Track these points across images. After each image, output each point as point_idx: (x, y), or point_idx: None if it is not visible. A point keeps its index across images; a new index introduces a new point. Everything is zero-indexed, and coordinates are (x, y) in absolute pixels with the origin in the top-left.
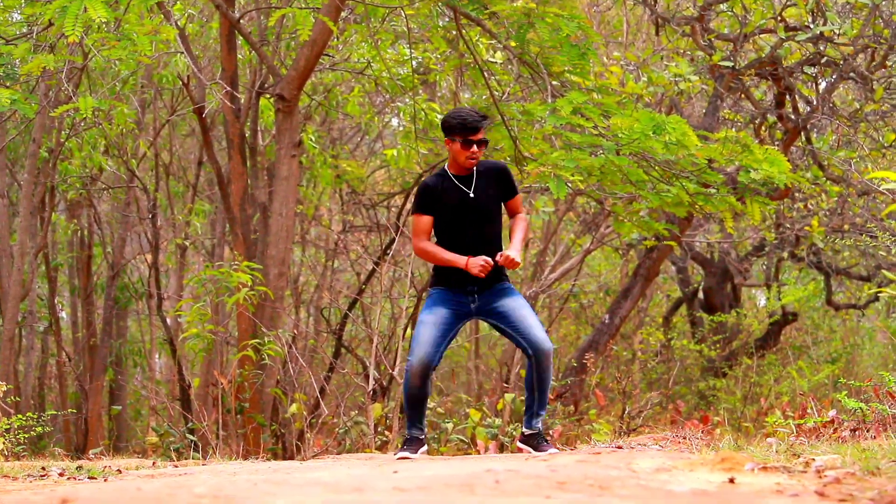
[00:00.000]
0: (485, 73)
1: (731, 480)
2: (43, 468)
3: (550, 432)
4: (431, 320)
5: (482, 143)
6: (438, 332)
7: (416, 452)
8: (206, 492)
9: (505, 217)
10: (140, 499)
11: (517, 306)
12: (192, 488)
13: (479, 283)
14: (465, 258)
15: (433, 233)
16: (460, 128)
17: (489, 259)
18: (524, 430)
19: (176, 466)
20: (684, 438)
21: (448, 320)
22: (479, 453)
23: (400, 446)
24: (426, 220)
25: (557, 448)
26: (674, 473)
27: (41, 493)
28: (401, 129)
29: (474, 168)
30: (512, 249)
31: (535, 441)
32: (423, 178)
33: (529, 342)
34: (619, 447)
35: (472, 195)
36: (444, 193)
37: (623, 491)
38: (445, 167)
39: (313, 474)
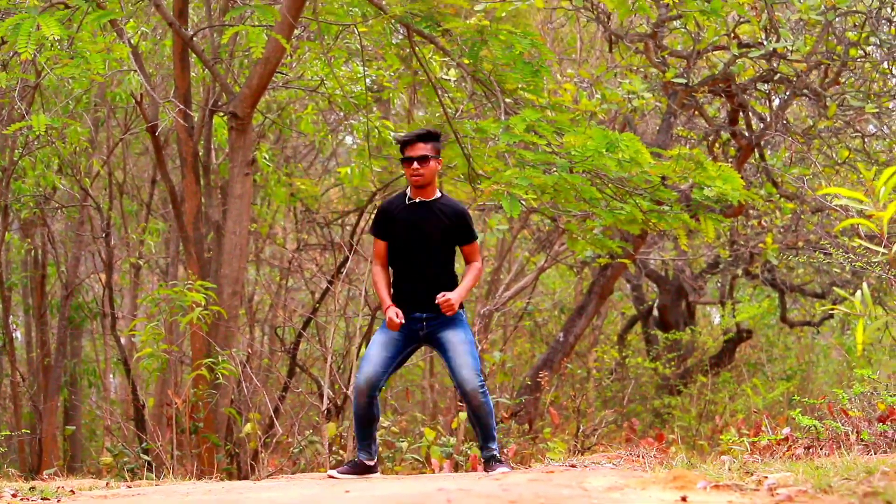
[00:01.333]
0: (438, 91)
1: (684, 499)
2: None
3: (505, 451)
4: (381, 340)
5: (423, 160)
6: (387, 353)
7: (346, 474)
8: None
9: None
10: None
11: (457, 341)
12: None
13: (431, 310)
14: (389, 304)
15: (392, 250)
16: (400, 146)
17: (401, 317)
18: (480, 456)
19: (130, 487)
20: (638, 457)
21: (398, 343)
22: (433, 472)
23: (342, 465)
24: (380, 245)
25: (511, 467)
26: (626, 492)
27: None
28: (354, 147)
29: (436, 199)
30: (454, 293)
31: (488, 463)
32: (376, 196)
33: (457, 380)
34: (573, 466)
35: (419, 222)
36: (398, 217)
37: None
38: (407, 190)
39: (267, 494)
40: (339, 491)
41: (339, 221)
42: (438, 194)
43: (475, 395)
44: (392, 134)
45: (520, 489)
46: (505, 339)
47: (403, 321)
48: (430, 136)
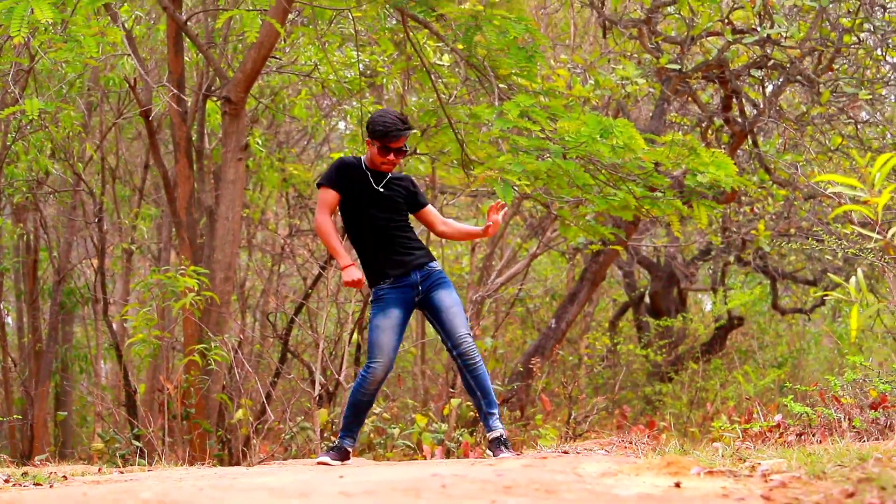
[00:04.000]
0: (432, 76)
1: (677, 485)
2: None
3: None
4: (388, 325)
5: (400, 153)
6: (396, 337)
7: (336, 460)
8: (152, 497)
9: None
10: None
11: (451, 302)
12: (137, 493)
13: (419, 267)
14: (348, 262)
15: (345, 219)
16: (381, 134)
17: (363, 280)
18: (488, 434)
19: (122, 472)
20: (630, 443)
21: (401, 320)
22: (425, 458)
23: (325, 451)
24: (332, 194)
25: (515, 453)
26: (619, 478)
27: None
28: (347, 132)
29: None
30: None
31: (494, 445)
32: None
33: (455, 340)
34: (566, 452)
35: (380, 188)
36: (356, 178)
37: (569, 495)
38: (363, 157)
39: (259, 479)
40: (332, 476)
41: None
42: None
43: (472, 352)
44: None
45: (514, 475)
46: (496, 325)
47: (363, 280)
48: (409, 128)
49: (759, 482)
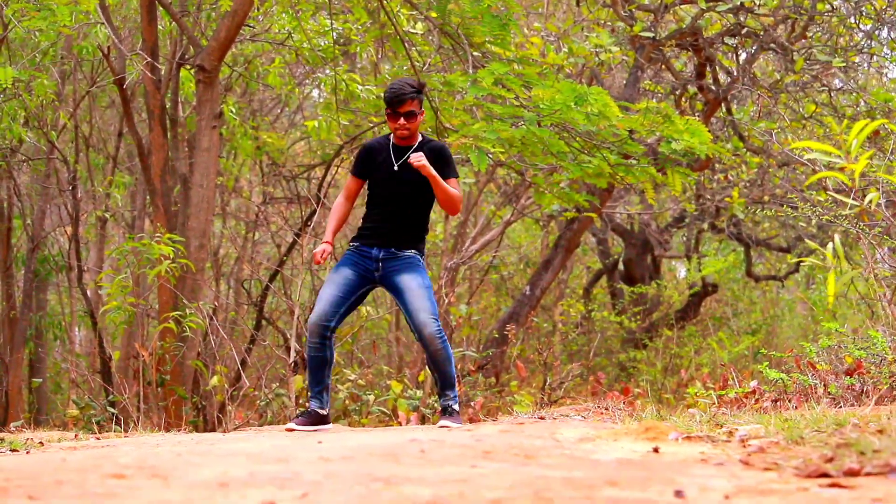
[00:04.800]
0: (406, 44)
1: (656, 450)
2: None
3: (472, 403)
4: (336, 279)
5: (409, 116)
6: (340, 293)
7: (306, 426)
8: (131, 462)
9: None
10: (65, 469)
11: (414, 286)
12: (116, 459)
13: (386, 245)
14: (326, 240)
15: (370, 187)
16: (388, 100)
17: (325, 256)
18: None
19: (98, 439)
20: (606, 409)
21: (352, 282)
22: (400, 425)
23: (295, 416)
24: (353, 183)
25: (461, 423)
26: (598, 443)
27: None
28: (321, 100)
29: (417, 143)
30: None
31: (442, 414)
32: (343, 149)
33: (415, 324)
34: (542, 418)
35: (395, 167)
36: (379, 159)
37: (548, 460)
38: (391, 134)
39: (237, 445)
40: (311, 442)
41: (305, 175)
42: (420, 138)
43: (433, 339)
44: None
45: (492, 440)
46: (471, 292)
47: (325, 259)
48: (417, 91)
49: (738, 447)
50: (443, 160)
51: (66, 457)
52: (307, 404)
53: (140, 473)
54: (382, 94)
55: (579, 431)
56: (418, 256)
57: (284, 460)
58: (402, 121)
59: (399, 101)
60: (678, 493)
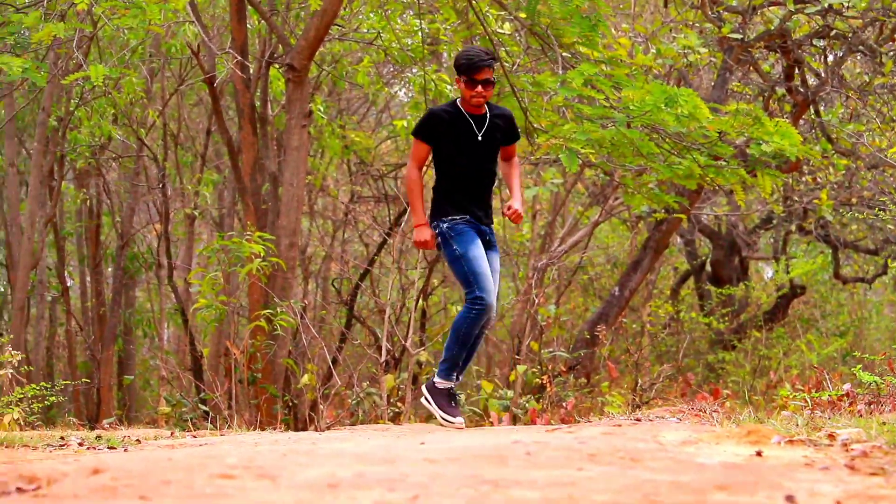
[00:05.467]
0: (494, 44)
1: (759, 454)
2: (62, 438)
3: (563, 405)
4: (480, 254)
5: (487, 84)
6: (488, 268)
7: (457, 416)
8: (238, 462)
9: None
10: (172, 469)
11: (496, 269)
12: (222, 459)
13: (486, 224)
14: (423, 221)
15: (437, 161)
16: (466, 67)
17: (432, 243)
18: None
19: (195, 437)
20: (701, 411)
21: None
22: (492, 425)
23: (444, 404)
24: (424, 148)
25: (429, 400)
26: (700, 446)
27: (71, 463)
28: (407, 100)
29: (487, 111)
30: (516, 201)
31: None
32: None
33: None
34: (638, 420)
35: (480, 137)
36: (452, 126)
37: (653, 464)
38: (458, 101)
39: (340, 445)
40: (413, 442)
41: (393, 174)
42: (485, 105)
43: (491, 323)
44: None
45: (596, 443)
46: (559, 293)
47: (432, 245)
48: (493, 59)
49: (840, 451)
50: (514, 125)
51: (171, 456)
52: (448, 379)
53: (247, 473)
54: (456, 62)
55: (681, 434)
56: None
57: (391, 461)
58: (479, 88)
59: (477, 69)
60: (789, 499)
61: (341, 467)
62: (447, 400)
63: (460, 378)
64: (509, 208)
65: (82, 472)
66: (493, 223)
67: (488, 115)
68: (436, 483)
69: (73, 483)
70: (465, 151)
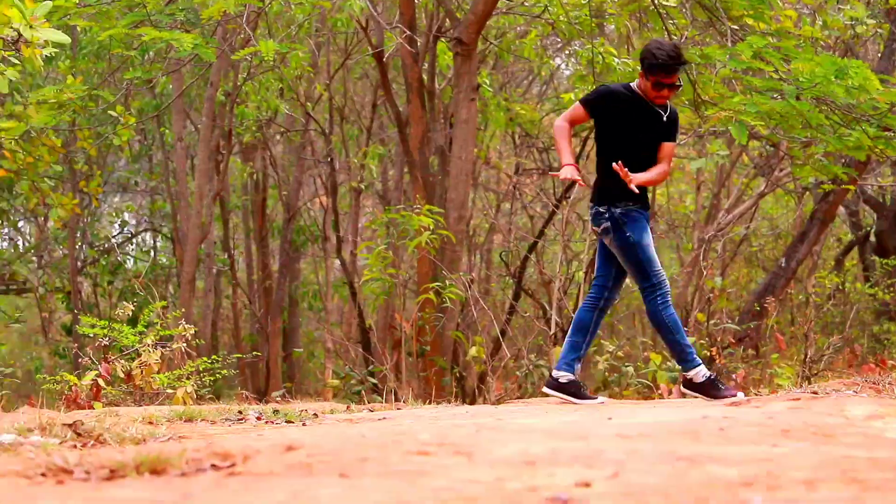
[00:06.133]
0: (662, 17)
1: None
2: (240, 412)
3: (733, 377)
4: (651, 242)
5: (673, 88)
6: None
7: (730, 393)
8: (431, 439)
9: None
10: (366, 445)
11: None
12: (415, 435)
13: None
14: (570, 161)
15: (606, 141)
16: (657, 68)
17: (577, 177)
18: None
19: (371, 411)
20: (875, 384)
21: None
22: (661, 397)
23: (721, 385)
24: (582, 114)
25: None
26: (888, 420)
27: (263, 439)
28: (571, 72)
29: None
30: (641, 175)
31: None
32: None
33: (615, 293)
34: (815, 393)
35: (665, 119)
36: (631, 108)
37: (846, 439)
38: (634, 85)
39: (525, 421)
40: (600, 417)
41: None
42: None
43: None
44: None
45: (785, 417)
46: (723, 264)
47: (578, 181)
48: (683, 63)
49: None
50: (677, 125)
51: (363, 433)
52: (695, 364)
53: (442, 450)
54: (644, 59)
55: (867, 408)
56: None
57: (584, 437)
58: (665, 92)
59: (674, 70)
60: None
61: (534, 443)
62: (715, 384)
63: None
64: (625, 171)
65: (276, 449)
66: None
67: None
68: (632, 459)
69: (267, 460)
70: (641, 137)
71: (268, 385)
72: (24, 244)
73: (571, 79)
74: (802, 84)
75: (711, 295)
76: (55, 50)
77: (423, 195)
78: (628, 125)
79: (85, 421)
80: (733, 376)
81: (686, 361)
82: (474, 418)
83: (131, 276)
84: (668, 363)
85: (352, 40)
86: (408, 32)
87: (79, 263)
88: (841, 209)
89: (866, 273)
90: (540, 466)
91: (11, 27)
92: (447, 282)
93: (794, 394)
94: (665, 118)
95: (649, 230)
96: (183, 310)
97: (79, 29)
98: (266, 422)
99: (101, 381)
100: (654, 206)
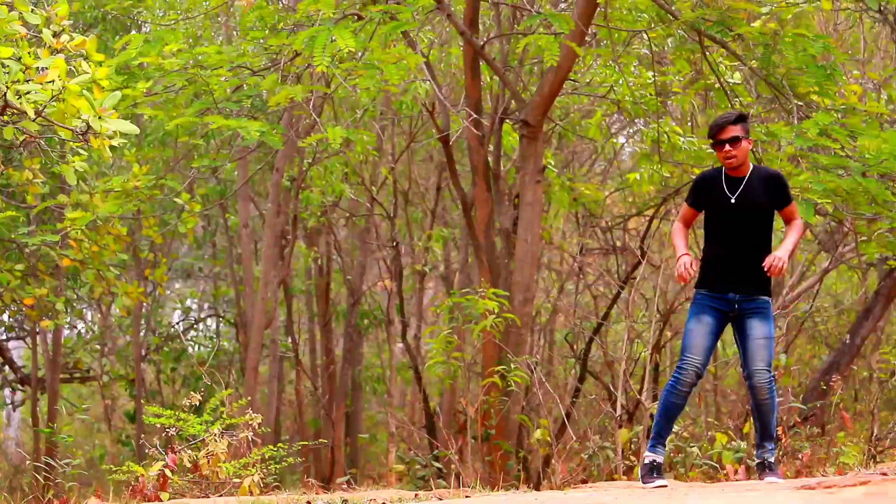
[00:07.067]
0: (728, 94)
1: None
2: (309, 502)
3: (799, 456)
4: (700, 329)
5: (734, 141)
6: (707, 342)
7: (657, 483)
8: None
9: None
10: None
11: (760, 335)
12: None
13: (741, 291)
14: (683, 253)
15: (706, 221)
16: (710, 131)
17: (693, 269)
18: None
19: (440, 499)
20: None
21: (714, 328)
22: (727, 478)
23: (645, 474)
24: (688, 211)
25: (782, 477)
26: None
27: None
28: (635, 150)
29: (749, 174)
30: (779, 250)
31: (760, 469)
32: (666, 201)
33: (749, 371)
34: (884, 474)
35: (732, 200)
36: (711, 190)
37: None
38: (723, 168)
39: None
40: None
41: (621, 225)
42: (751, 167)
43: (763, 389)
44: (681, 140)
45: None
46: (787, 341)
47: (692, 273)
48: (739, 118)
49: None
50: (781, 186)
51: None
52: (645, 455)
53: None
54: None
55: None
56: (769, 301)
57: None
58: (727, 147)
59: (720, 128)
60: None
61: None
62: (653, 471)
63: (663, 451)
64: (771, 257)
65: None
66: (758, 293)
67: (747, 177)
68: None
69: None
70: (719, 216)
71: (332, 471)
72: (87, 332)
73: (634, 157)
74: (869, 161)
75: (776, 373)
76: (123, 140)
77: (488, 278)
78: (712, 205)
79: None
80: (799, 455)
81: (653, 444)
82: None
83: (195, 362)
84: (734, 443)
85: (416, 122)
86: (474, 115)
87: (142, 350)
88: None
89: None
90: None
91: (80, 118)
92: (512, 365)
93: (864, 475)
94: (751, 186)
95: (707, 315)
96: (248, 398)
97: (145, 117)
98: None
99: (167, 472)
100: None
